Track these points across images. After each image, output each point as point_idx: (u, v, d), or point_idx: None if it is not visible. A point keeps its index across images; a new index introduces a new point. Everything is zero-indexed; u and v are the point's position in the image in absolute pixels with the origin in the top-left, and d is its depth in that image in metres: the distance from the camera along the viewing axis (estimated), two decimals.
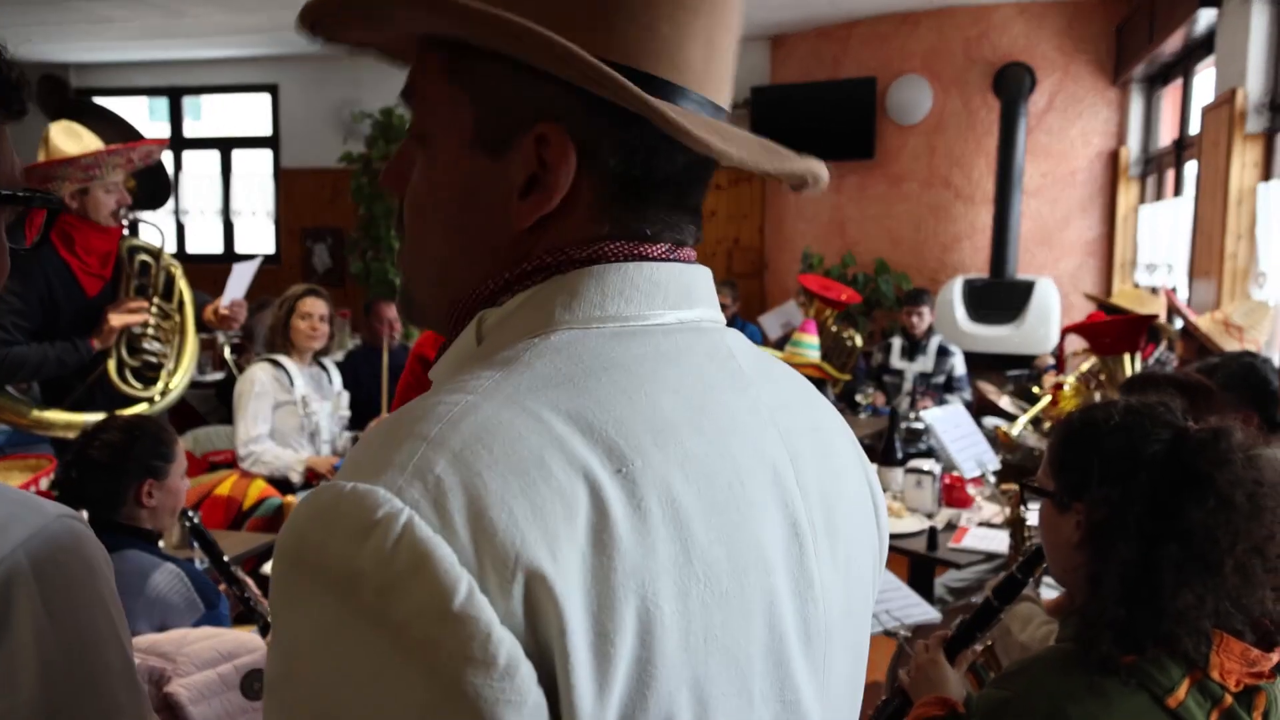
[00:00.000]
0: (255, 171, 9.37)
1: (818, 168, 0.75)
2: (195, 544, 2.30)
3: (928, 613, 2.72)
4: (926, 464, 3.71)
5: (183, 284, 3.62)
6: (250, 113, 9.45)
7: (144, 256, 3.55)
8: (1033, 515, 2.46)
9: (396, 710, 0.53)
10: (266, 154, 9.28)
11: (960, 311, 6.66)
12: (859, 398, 5.72)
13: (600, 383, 0.62)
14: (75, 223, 3.33)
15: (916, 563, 3.47)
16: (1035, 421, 4.34)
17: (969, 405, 5.74)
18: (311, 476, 3.85)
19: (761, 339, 6.66)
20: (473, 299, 0.70)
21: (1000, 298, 6.60)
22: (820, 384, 5.73)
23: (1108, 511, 1.40)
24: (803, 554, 0.68)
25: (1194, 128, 5.43)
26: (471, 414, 0.58)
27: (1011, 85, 6.64)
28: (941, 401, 5.62)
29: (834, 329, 5.93)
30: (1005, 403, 5.01)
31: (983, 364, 6.26)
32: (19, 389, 3.47)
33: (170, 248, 9.12)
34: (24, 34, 7.47)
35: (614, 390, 0.62)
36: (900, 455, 3.86)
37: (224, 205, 9.39)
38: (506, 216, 0.68)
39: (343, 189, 8.41)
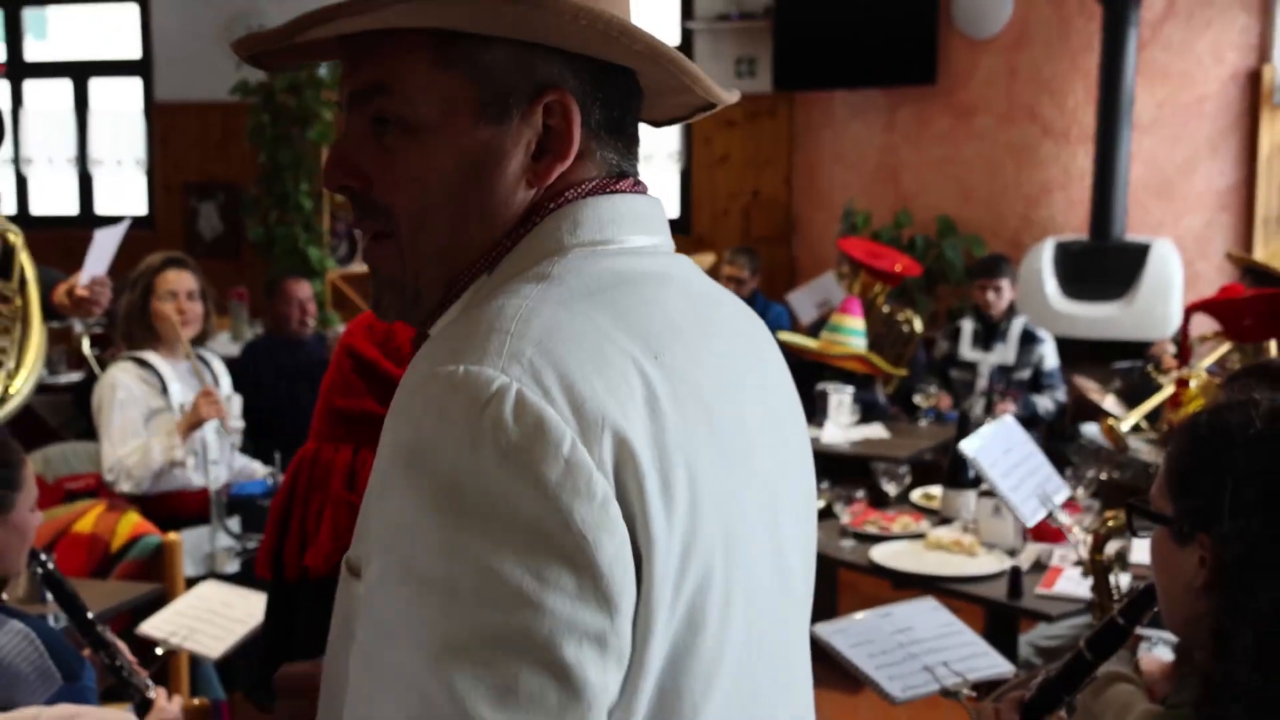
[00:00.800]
0: (120, 108, 9.34)
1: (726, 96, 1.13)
2: (49, 596, 2.31)
3: (996, 664, 2.74)
4: None
5: (24, 257, 3.61)
6: (112, 30, 9.42)
7: None
8: (1141, 549, 2.47)
9: (515, 535, 0.87)
10: (135, 84, 9.24)
11: (1051, 285, 6.68)
12: (918, 399, 5.66)
13: (621, 293, 0.99)
14: None
15: (995, 613, 3.49)
16: (1151, 420, 4.34)
17: (1062, 408, 5.76)
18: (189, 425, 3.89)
19: (790, 323, 6.64)
20: (473, 270, 1.03)
21: (1104, 267, 6.62)
22: (868, 380, 5.73)
23: (1243, 548, 1.42)
24: (779, 436, 1.10)
25: None
26: (535, 315, 0.94)
27: None
28: (1027, 404, 5.61)
29: (885, 309, 5.94)
30: (1110, 404, 5.03)
31: (1081, 354, 6.28)
32: None
33: (8, 209, 9.11)
34: None
35: (633, 299, 1.00)
36: (972, 475, 3.84)
37: (79, 152, 9.35)
38: (519, 183, 1.02)
39: (237, 131, 8.25)
